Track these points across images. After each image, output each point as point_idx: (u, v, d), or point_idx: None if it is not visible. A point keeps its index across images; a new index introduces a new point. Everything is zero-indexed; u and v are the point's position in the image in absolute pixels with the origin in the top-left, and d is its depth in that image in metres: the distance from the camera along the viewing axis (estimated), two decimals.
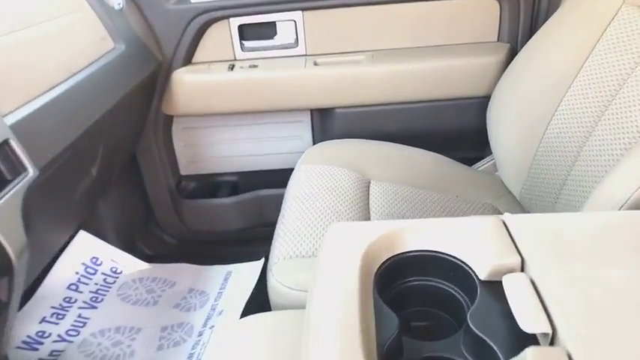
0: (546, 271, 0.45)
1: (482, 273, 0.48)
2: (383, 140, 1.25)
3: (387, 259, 0.52)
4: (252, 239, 1.47)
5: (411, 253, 0.53)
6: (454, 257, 0.52)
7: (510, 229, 0.52)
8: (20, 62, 0.82)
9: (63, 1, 1.02)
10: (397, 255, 0.53)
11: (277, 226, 0.94)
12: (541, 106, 0.99)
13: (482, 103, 1.22)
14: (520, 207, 1.09)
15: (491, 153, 1.21)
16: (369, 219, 0.97)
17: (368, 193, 1.06)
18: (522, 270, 0.47)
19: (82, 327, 1.23)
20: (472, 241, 0.51)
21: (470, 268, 0.50)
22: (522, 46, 1.11)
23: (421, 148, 1.23)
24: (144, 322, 1.24)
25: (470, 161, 1.28)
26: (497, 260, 0.48)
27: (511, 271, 0.47)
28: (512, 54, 1.21)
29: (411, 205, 1.03)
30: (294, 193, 1.03)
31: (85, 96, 0.93)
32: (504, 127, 1.09)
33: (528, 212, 1.04)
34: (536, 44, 1.05)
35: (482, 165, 1.25)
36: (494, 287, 0.47)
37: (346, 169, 1.11)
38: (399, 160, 1.18)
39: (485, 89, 1.24)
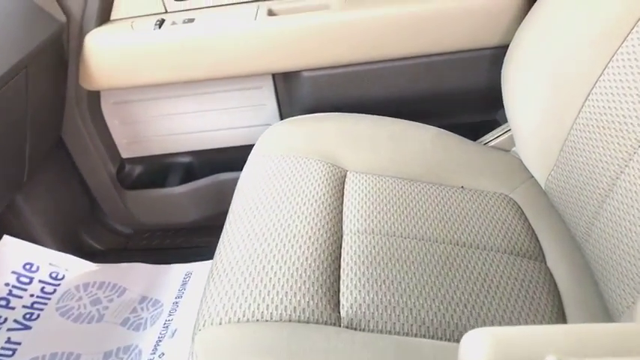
0: None
1: None
2: (365, 111, 0.97)
3: None
4: (214, 228, 1.23)
5: None
6: None
7: None
8: None
9: None
10: None
11: (212, 267, 0.69)
12: (581, 64, 0.70)
13: (495, 55, 0.96)
14: (546, 199, 0.82)
15: (505, 121, 0.93)
16: (340, 243, 0.70)
17: (342, 194, 0.80)
18: None
19: (10, 356, 1.03)
20: None
21: None
22: None
23: (415, 119, 0.96)
24: (85, 346, 1.04)
25: (477, 130, 1.00)
26: None
27: None
28: None
29: (401, 208, 0.77)
30: (240, 206, 0.76)
31: None
32: (525, 90, 0.83)
33: (557, 208, 0.78)
34: None
35: (494, 138, 0.97)
36: None
37: (314, 159, 0.84)
38: (386, 139, 0.91)
39: (500, 37, 0.95)
